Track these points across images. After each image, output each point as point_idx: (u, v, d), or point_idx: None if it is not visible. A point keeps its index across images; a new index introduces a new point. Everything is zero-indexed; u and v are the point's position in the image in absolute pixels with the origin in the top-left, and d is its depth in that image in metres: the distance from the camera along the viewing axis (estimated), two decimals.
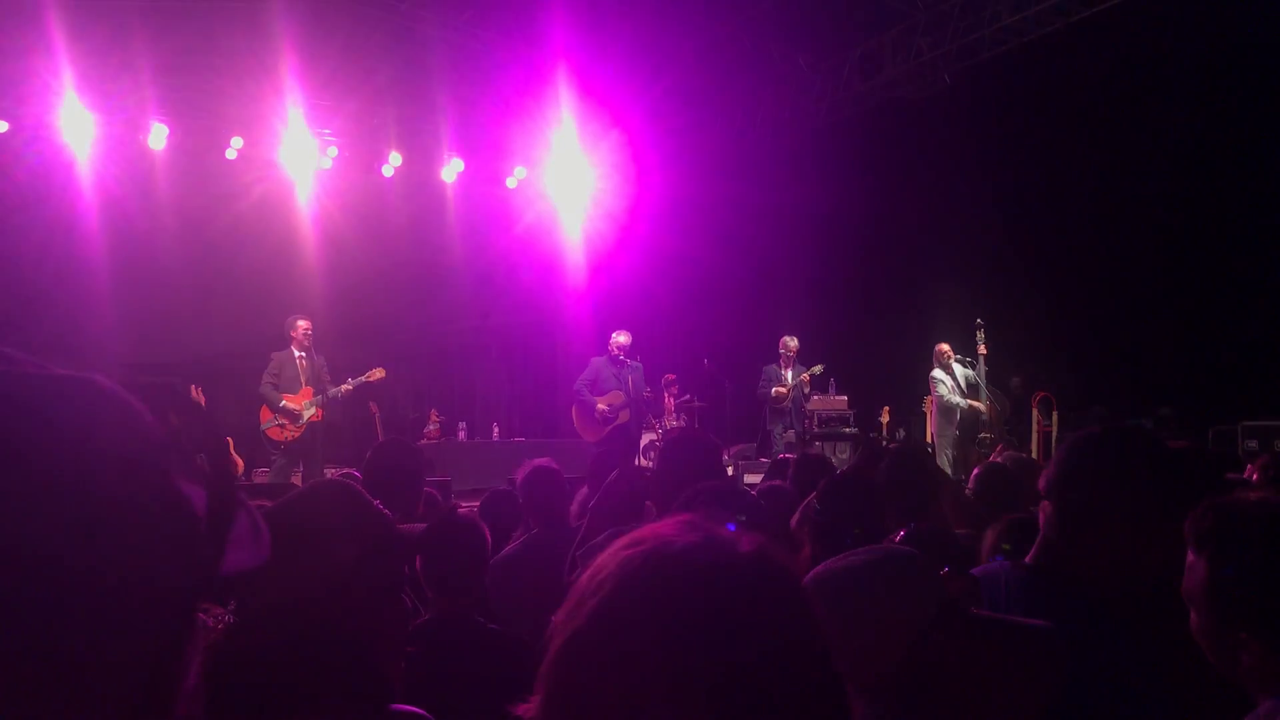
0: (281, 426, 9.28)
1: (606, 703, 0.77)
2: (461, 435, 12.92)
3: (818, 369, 11.26)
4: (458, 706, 2.02)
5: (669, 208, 14.09)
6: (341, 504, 1.54)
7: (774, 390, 11.16)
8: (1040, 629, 1.58)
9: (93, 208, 11.32)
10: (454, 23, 11.93)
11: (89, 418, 0.56)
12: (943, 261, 12.37)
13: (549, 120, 13.10)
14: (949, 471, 9.11)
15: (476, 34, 12.09)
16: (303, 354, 9.45)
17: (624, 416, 10.52)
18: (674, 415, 11.75)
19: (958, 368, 10.34)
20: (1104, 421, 10.12)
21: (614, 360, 10.56)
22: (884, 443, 10.57)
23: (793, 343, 11.31)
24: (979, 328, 10.22)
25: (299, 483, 8.16)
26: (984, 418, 10.15)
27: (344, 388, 9.63)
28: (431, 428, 12.58)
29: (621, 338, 10.60)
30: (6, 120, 10.81)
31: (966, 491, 4.17)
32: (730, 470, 9.89)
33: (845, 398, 11.43)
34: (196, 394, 8.47)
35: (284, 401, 9.27)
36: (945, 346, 10.40)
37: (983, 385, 10.20)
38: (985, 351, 10.23)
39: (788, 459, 7.50)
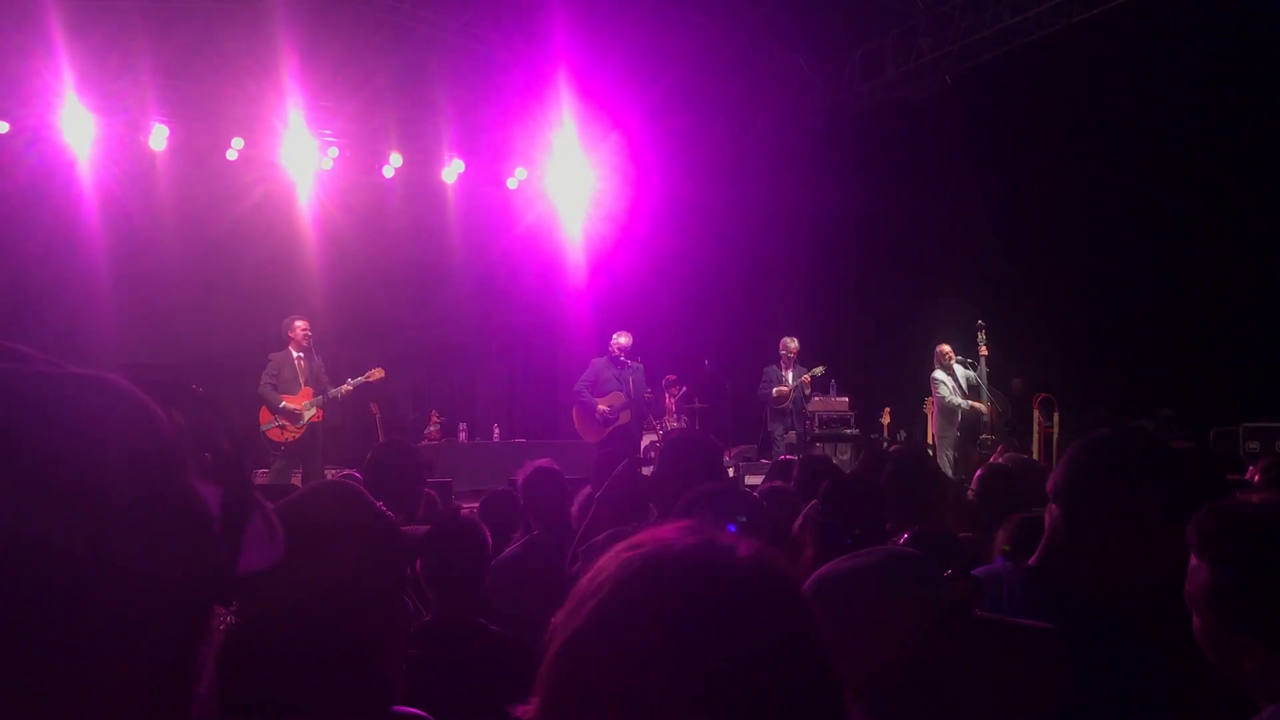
0: (282, 428, 9.26)
1: (605, 704, 0.77)
2: (462, 436, 12.92)
3: (819, 370, 11.25)
4: (459, 708, 2.01)
5: (669, 209, 14.09)
6: (344, 505, 1.54)
7: (775, 391, 11.15)
8: (1042, 631, 1.58)
9: (94, 208, 11.32)
10: (454, 24, 11.94)
11: (102, 416, 0.55)
12: (944, 262, 12.37)
13: (549, 121, 13.10)
14: (950, 473, 9.11)
15: (477, 35, 12.10)
16: (301, 354, 9.43)
17: (625, 417, 10.52)
18: (675, 416, 11.75)
19: (959, 369, 10.34)
20: (1107, 423, 10.12)
21: (615, 361, 10.56)
22: (884, 444, 10.57)
23: (793, 344, 11.30)
24: (980, 329, 10.22)
25: (299, 484, 8.15)
26: (985, 419, 10.15)
27: (344, 388, 9.62)
28: (432, 429, 12.57)
29: (622, 339, 10.60)
30: (7, 121, 10.82)
31: (969, 493, 4.16)
32: (731, 471, 9.88)
33: (846, 399, 11.43)
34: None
35: (284, 402, 9.25)
36: (946, 347, 10.40)
37: (984, 386, 10.19)
38: (986, 353, 10.22)
39: (789, 460, 7.49)
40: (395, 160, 12.98)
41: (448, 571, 2.66)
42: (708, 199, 13.97)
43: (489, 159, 13.91)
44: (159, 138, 11.52)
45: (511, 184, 14.25)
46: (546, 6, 11.14)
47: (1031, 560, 1.93)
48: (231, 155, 12.06)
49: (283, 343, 9.46)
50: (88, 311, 11.03)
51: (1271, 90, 10.28)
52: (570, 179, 14.13)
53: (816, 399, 11.33)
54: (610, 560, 0.83)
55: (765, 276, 14.27)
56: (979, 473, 4.26)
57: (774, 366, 11.36)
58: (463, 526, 2.82)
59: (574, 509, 4.11)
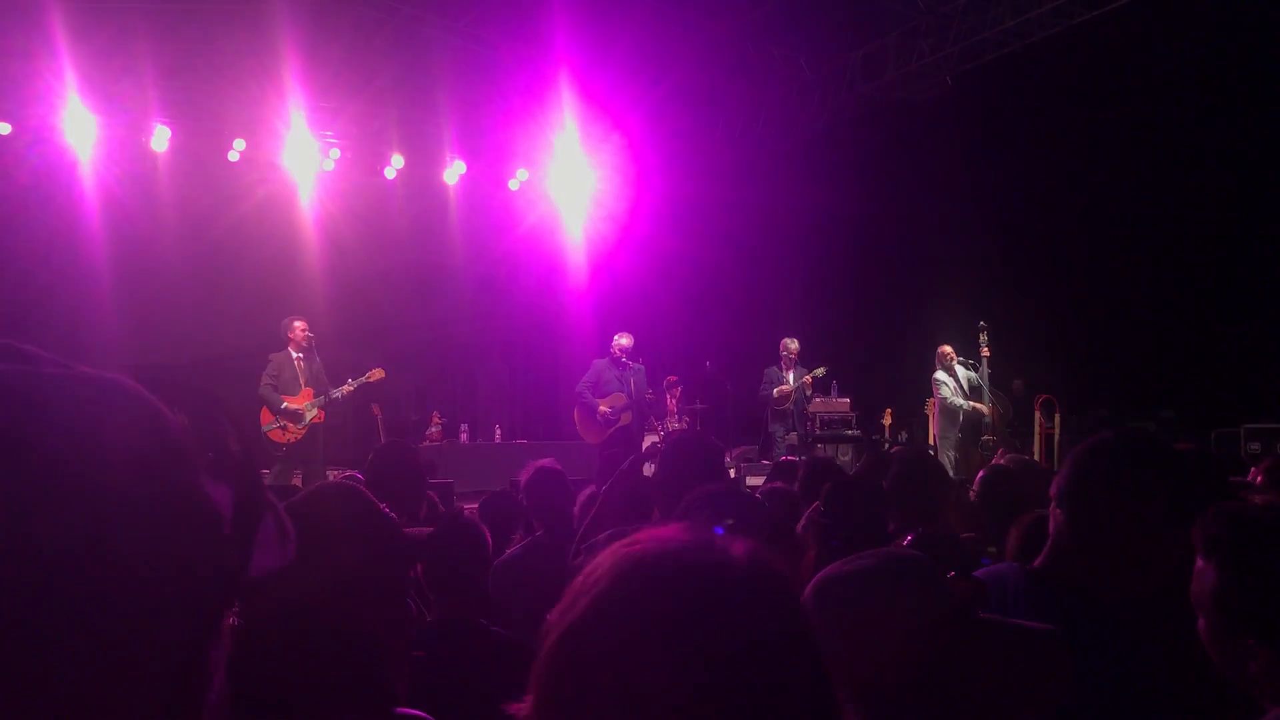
0: (284, 428, 9.25)
1: (599, 699, 0.77)
2: (463, 437, 12.93)
3: (820, 371, 11.25)
4: (461, 709, 2.01)
5: (671, 210, 14.09)
6: (347, 507, 1.54)
7: (776, 392, 11.15)
8: (1044, 632, 1.58)
9: (95, 209, 11.33)
10: (456, 25, 11.94)
11: (111, 418, 0.55)
12: (945, 263, 12.37)
13: (551, 122, 13.11)
14: (951, 474, 9.10)
15: (479, 36, 12.10)
16: (300, 355, 9.42)
17: (626, 418, 10.52)
18: (676, 417, 11.74)
19: (960, 370, 10.33)
20: (1108, 424, 10.13)
21: (616, 362, 10.57)
22: (886, 445, 10.56)
23: (793, 344, 11.30)
24: (982, 330, 10.21)
25: (299, 485, 8.15)
26: (986, 420, 10.14)
27: (344, 389, 9.61)
28: (434, 429, 12.58)
29: (624, 340, 10.60)
30: (9, 122, 10.82)
31: (970, 494, 4.16)
32: (732, 472, 9.88)
33: (847, 400, 11.42)
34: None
35: (285, 403, 9.24)
36: (948, 348, 10.40)
37: (985, 387, 10.18)
38: (988, 354, 10.21)
39: (791, 461, 7.49)
40: (397, 161, 12.98)
41: (449, 572, 2.66)
42: (709, 200, 13.97)
43: (490, 160, 13.91)
44: (161, 139, 11.52)
45: (513, 185, 14.26)
46: (548, 8, 11.15)
47: (1036, 562, 1.93)
48: (233, 156, 12.05)
49: (282, 343, 9.46)
50: (89, 312, 11.03)
51: (1273, 91, 10.27)
52: (572, 180, 14.14)
53: (818, 400, 11.32)
54: (606, 556, 0.84)
55: (766, 277, 14.28)
56: (981, 474, 4.26)
57: (774, 368, 11.36)
58: (464, 527, 2.82)
59: (576, 509, 4.11)
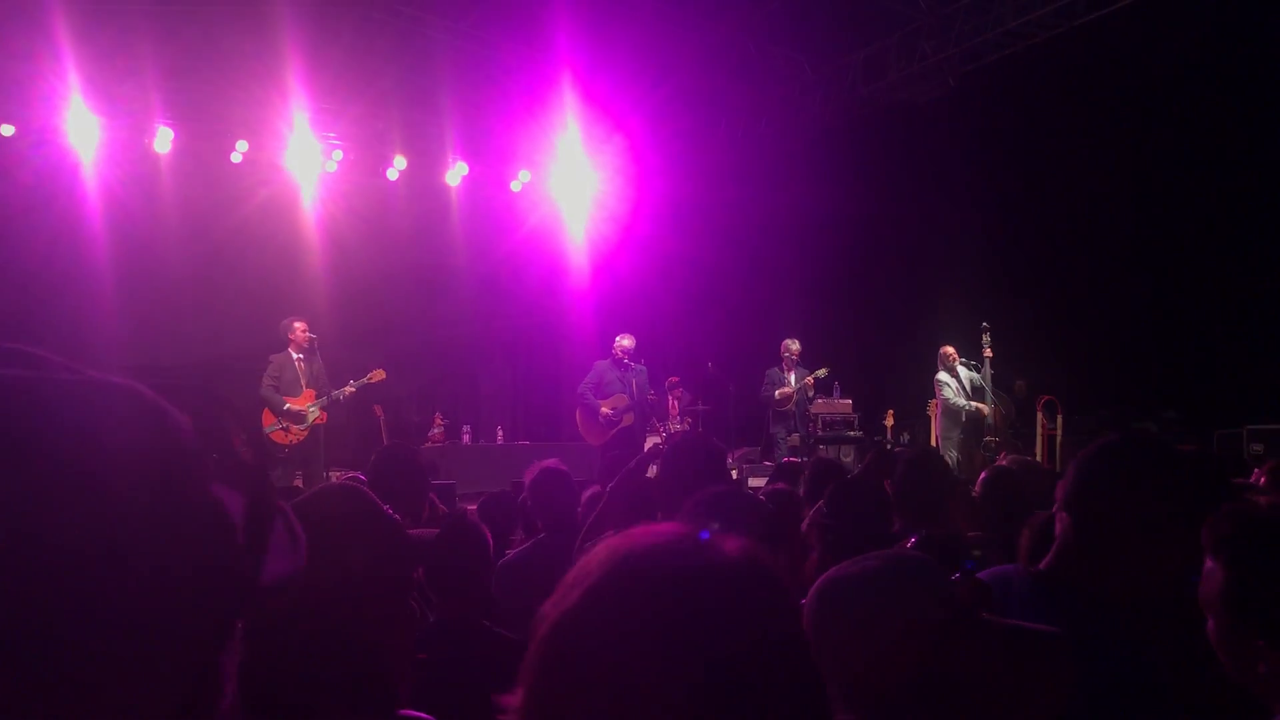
0: (286, 430, 9.25)
1: (588, 690, 0.77)
2: (466, 438, 12.93)
3: (822, 372, 11.25)
4: (464, 710, 2.01)
5: (673, 211, 14.09)
6: (351, 508, 1.54)
7: (778, 393, 11.14)
8: (1048, 634, 1.58)
9: (98, 211, 11.35)
10: (458, 26, 11.95)
11: (123, 423, 0.55)
12: (947, 264, 12.35)
13: (553, 123, 13.12)
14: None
15: (481, 37, 12.11)
16: (301, 356, 9.42)
17: (628, 419, 10.52)
18: (678, 418, 11.74)
19: (963, 370, 10.33)
20: (1110, 425, 10.12)
21: (618, 363, 10.57)
22: (889, 446, 10.56)
23: (795, 345, 11.30)
24: (985, 331, 10.20)
25: (301, 486, 8.15)
26: (989, 421, 10.13)
27: (346, 390, 9.61)
28: (436, 431, 12.58)
29: (626, 341, 10.61)
30: (12, 124, 10.84)
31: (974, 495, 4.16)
32: (734, 474, 9.88)
33: (849, 401, 11.41)
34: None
35: (287, 405, 9.24)
36: (950, 349, 10.39)
37: (988, 388, 10.18)
38: (991, 354, 10.20)
39: (793, 463, 7.49)
40: (399, 163, 12.99)
41: (452, 573, 2.66)
42: (711, 201, 13.97)
43: (493, 161, 13.92)
44: (163, 140, 11.54)
45: (515, 186, 14.26)
46: (550, 9, 11.15)
47: (1041, 564, 1.93)
48: (236, 158, 12.06)
49: (282, 344, 9.45)
50: (92, 313, 11.04)
51: (1277, 92, 10.26)
52: (573, 181, 14.15)
53: (820, 401, 11.31)
54: (600, 550, 0.85)
55: (768, 278, 14.27)
56: (983, 475, 4.26)
57: (776, 369, 11.36)
58: (467, 529, 2.82)
59: (579, 510, 4.11)
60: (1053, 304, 12.12)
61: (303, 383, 9.36)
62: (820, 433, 11.09)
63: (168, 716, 0.55)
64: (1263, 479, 4.16)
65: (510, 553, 3.98)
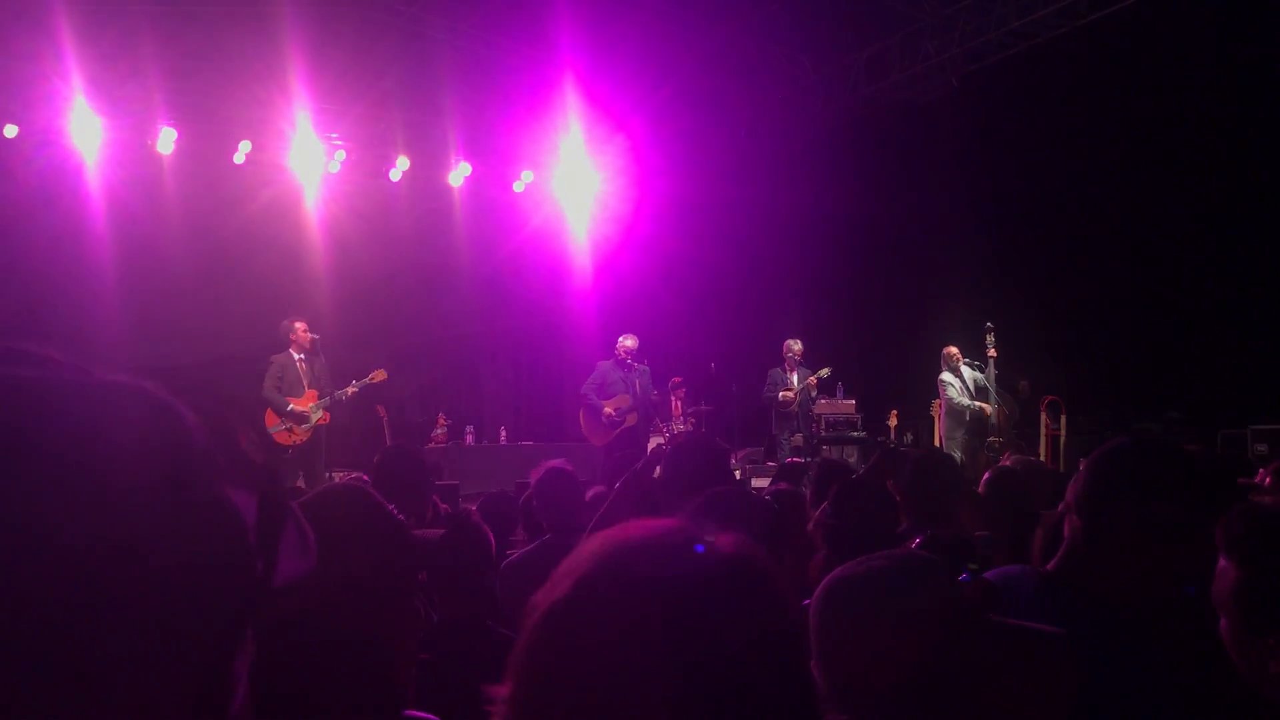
0: (289, 430, 9.23)
1: (576, 678, 0.77)
2: (469, 439, 12.93)
3: (825, 372, 11.23)
4: (468, 711, 2.01)
5: (675, 211, 14.09)
6: (357, 508, 1.54)
7: (781, 394, 11.13)
8: (1053, 635, 1.57)
9: (101, 212, 11.35)
10: (461, 27, 11.95)
11: (133, 424, 0.55)
12: (949, 265, 12.35)
13: (555, 124, 13.12)
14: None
15: (484, 38, 12.11)
16: (302, 356, 9.41)
17: (631, 420, 10.52)
18: (681, 419, 11.74)
19: (966, 370, 10.31)
20: (1114, 426, 10.08)
21: (621, 364, 10.57)
22: (891, 446, 10.55)
23: (797, 345, 11.29)
24: (989, 331, 10.19)
25: (303, 487, 8.15)
26: (993, 421, 10.12)
27: (348, 390, 9.60)
28: (439, 431, 12.58)
29: (629, 341, 10.61)
30: (16, 124, 10.84)
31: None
32: (737, 474, 9.87)
33: (853, 401, 11.40)
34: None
35: (291, 405, 9.23)
36: (954, 349, 10.38)
37: (992, 389, 10.17)
38: (995, 354, 10.19)
39: (796, 463, 7.49)
40: (402, 163, 12.99)
41: (455, 574, 2.66)
42: (713, 201, 13.97)
43: (496, 162, 13.92)
44: (166, 141, 11.54)
45: (518, 187, 14.27)
46: (553, 10, 11.15)
47: (1050, 566, 1.92)
48: (239, 159, 12.07)
49: (283, 345, 9.44)
50: (95, 314, 11.04)
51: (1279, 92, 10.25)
52: (576, 182, 14.16)
53: (823, 401, 11.30)
54: (593, 542, 0.85)
55: (771, 279, 14.27)
56: (986, 475, 4.26)
57: (778, 369, 11.35)
58: (469, 528, 2.82)
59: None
60: (1056, 304, 12.10)
61: (305, 383, 9.35)
62: (824, 433, 11.08)
63: (181, 717, 0.54)
64: (1268, 479, 4.16)
65: (515, 553, 3.97)
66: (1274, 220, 10.52)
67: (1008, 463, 4.92)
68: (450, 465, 10.67)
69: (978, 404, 10.17)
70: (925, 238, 13.14)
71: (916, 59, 11.65)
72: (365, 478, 3.87)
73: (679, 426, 11.46)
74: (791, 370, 11.28)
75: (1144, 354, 11.53)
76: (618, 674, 0.76)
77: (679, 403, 11.95)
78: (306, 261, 12.55)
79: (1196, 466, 1.84)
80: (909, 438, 11.64)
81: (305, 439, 9.31)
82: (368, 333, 12.34)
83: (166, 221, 11.76)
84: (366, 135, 12.79)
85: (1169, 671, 1.74)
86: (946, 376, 10.36)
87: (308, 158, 12.38)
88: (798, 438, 11.04)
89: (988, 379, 10.19)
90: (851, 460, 10.09)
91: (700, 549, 0.82)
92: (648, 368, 10.78)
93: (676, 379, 12.16)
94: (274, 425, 9.24)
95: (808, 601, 1.57)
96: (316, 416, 9.32)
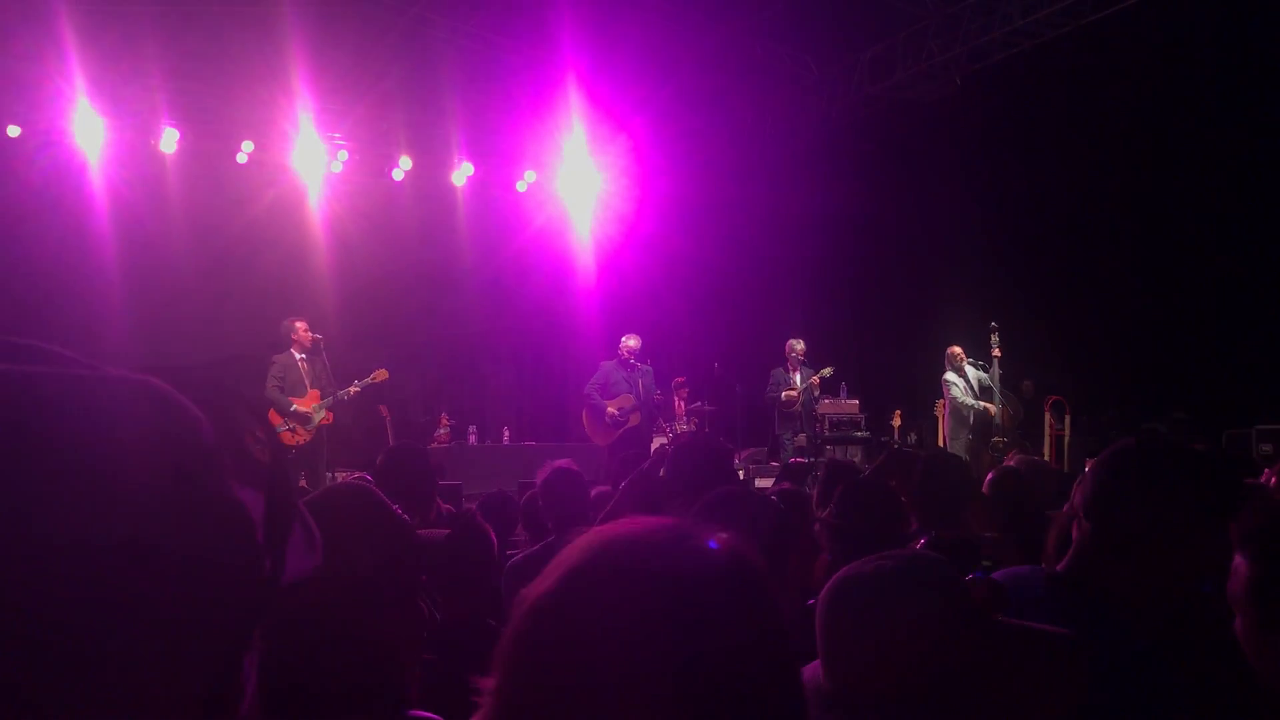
0: (292, 431, 9.23)
1: (560, 669, 0.78)
2: (472, 439, 12.93)
3: (827, 371, 11.22)
4: (471, 711, 2.00)
5: (678, 211, 14.09)
6: (361, 508, 1.53)
7: (784, 394, 11.12)
8: (1060, 636, 1.57)
9: (104, 212, 11.37)
10: (464, 27, 11.95)
11: (141, 421, 0.54)
12: (954, 264, 12.34)
13: (558, 124, 13.12)
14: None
15: (486, 38, 12.11)
16: (304, 356, 9.40)
17: (634, 420, 10.52)
18: (684, 419, 11.73)
19: (970, 370, 10.31)
20: (1118, 425, 10.05)
21: (624, 364, 10.57)
22: (895, 446, 10.54)
23: (799, 345, 11.28)
24: (993, 331, 10.18)
25: (306, 488, 8.14)
26: (997, 421, 10.11)
27: (351, 389, 9.60)
28: (442, 431, 12.58)
29: (632, 341, 10.60)
30: (19, 125, 10.86)
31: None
32: (741, 475, 9.86)
33: (856, 401, 11.38)
34: None
35: (294, 406, 9.22)
36: (958, 349, 10.37)
37: (996, 388, 10.16)
38: (999, 354, 10.18)
39: (800, 463, 7.48)
40: (405, 163, 13.00)
41: (458, 574, 2.66)
42: (716, 200, 13.97)
43: (499, 162, 13.93)
44: (169, 141, 11.56)
45: (521, 187, 14.28)
46: (555, 9, 11.14)
47: (1059, 567, 1.91)
48: (241, 159, 12.08)
49: (284, 345, 9.43)
50: (98, 314, 11.05)
51: None
52: (579, 182, 14.17)
53: (826, 401, 11.29)
54: (586, 536, 0.85)
55: (775, 278, 14.26)
56: (990, 475, 4.25)
57: (780, 369, 11.34)
58: (473, 529, 2.82)
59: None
60: (1060, 303, 12.10)
61: (307, 383, 9.35)
62: (827, 433, 11.07)
63: (192, 715, 0.54)
64: (1273, 479, 4.15)
65: (519, 553, 3.97)
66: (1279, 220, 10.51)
67: (1012, 463, 4.91)
68: (453, 465, 10.65)
69: (982, 404, 10.16)
70: (929, 237, 13.14)
71: (920, 58, 11.63)
72: (368, 477, 3.86)
73: (682, 427, 11.45)
74: (794, 370, 11.27)
75: (1148, 354, 11.52)
76: (602, 666, 0.76)
77: (682, 403, 11.95)
78: (309, 261, 12.56)
79: (1205, 467, 1.83)
80: (913, 438, 11.63)
81: (308, 439, 9.31)
82: (370, 332, 12.34)
83: (169, 221, 11.78)
84: (369, 135, 12.80)
85: (1180, 672, 1.73)
86: (950, 376, 10.35)
87: (310, 157, 12.39)
88: (801, 438, 11.03)
89: (992, 379, 10.18)
90: (856, 460, 10.08)
91: (692, 546, 0.82)
92: (650, 368, 10.77)
93: (679, 379, 12.15)
94: (277, 426, 9.22)
95: (812, 601, 1.57)
96: (319, 417, 9.32)
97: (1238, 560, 1.53)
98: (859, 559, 1.56)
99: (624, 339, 10.66)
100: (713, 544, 0.83)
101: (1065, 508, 2.09)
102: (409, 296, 13.42)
